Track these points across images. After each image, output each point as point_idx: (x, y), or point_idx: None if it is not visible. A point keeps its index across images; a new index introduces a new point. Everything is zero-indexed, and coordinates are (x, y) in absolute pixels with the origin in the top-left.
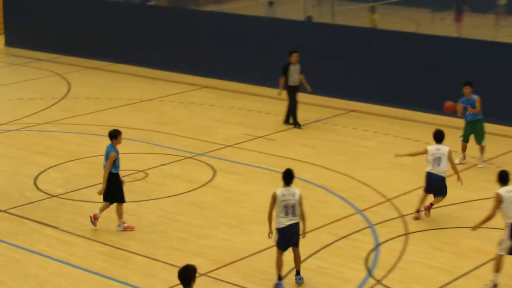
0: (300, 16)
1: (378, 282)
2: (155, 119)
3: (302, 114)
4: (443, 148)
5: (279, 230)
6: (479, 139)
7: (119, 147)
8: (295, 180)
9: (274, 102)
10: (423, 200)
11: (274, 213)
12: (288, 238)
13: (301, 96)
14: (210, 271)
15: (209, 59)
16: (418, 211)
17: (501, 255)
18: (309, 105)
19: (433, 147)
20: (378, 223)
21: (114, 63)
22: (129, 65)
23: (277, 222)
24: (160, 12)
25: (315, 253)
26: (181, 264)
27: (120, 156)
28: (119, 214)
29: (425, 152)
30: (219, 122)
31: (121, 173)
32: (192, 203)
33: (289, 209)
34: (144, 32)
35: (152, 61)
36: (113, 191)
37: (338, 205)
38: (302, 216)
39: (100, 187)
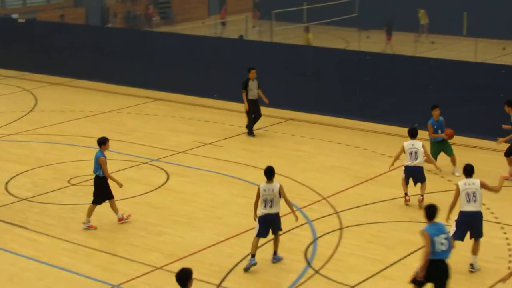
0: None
1: (317, 272)
2: (113, 128)
3: (245, 123)
4: (418, 143)
5: (258, 218)
6: (449, 152)
7: (106, 153)
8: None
9: (220, 112)
10: (406, 186)
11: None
12: (266, 225)
13: (236, 106)
14: (165, 265)
15: (162, 75)
16: (406, 194)
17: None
18: None
19: (408, 143)
20: (316, 219)
21: (76, 79)
22: (90, 80)
23: (258, 212)
24: (117, 33)
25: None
26: (139, 259)
27: (82, 163)
28: (115, 210)
29: (402, 149)
30: (171, 131)
31: (83, 178)
32: (148, 203)
33: (268, 202)
34: (103, 51)
35: (110, 77)
36: (101, 192)
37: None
38: (288, 205)
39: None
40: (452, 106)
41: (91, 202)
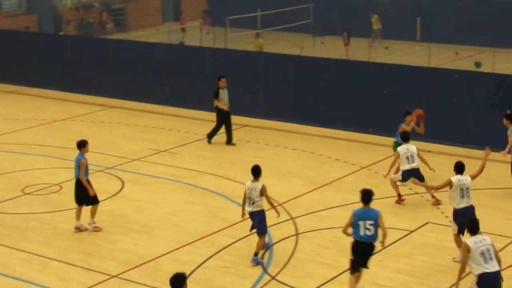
0: (197, 42)
1: (273, 278)
2: (68, 137)
3: (202, 130)
4: (412, 147)
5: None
6: None
7: (87, 155)
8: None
9: (175, 119)
10: (398, 187)
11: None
12: (252, 222)
13: (199, 114)
14: (121, 273)
15: (116, 82)
16: (399, 195)
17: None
18: (208, 122)
19: (402, 148)
20: (271, 225)
21: (30, 87)
22: (44, 89)
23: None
24: (71, 41)
25: (215, 253)
26: (95, 267)
27: (37, 171)
28: (93, 214)
29: (398, 155)
30: (126, 138)
31: (38, 187)
32: (103, 211)
33: (250, 200)
34: (57, 59)
35: (64, 84)
36: (87, 194)
37: (236, 210)
38: (269, 203)
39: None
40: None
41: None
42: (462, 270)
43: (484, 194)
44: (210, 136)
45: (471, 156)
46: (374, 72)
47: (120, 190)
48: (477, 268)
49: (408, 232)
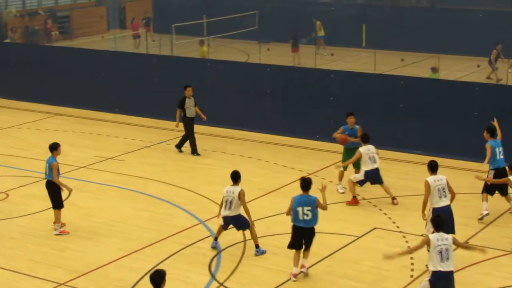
0: (144, 49)
1: (221, 284)
2: (14, 145)
3: (148, 137)
4: (372, 148)
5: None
6: (358, 165)
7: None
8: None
9: (121, 126)
10: (354, 189)
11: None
12: (225, 224)
13: (145, 121)
14: (69, 281)
15: (61, 89)
16: (354, 197)
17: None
18: (153, 128)
19: (364, 149)
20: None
21: None
22: None
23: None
24: (16, 48)
25: (163, 260)
26: (42, 275)
27: None
28: (58, 218)
29: (360, 154)
30: (72, 146)
31: None
32: (50, 219)
33: (227, 204)
34: (2, 66)
35: (10, 92)
36: (57, 196)
37: (183, 217)
38: (245, 210)
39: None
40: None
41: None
42: (414, 250)
43: None
44: (193, 148)
45: (419, 162)
46: (320, 79)
47: (67, 197)
48: (432, 265)
49: (356, 238)
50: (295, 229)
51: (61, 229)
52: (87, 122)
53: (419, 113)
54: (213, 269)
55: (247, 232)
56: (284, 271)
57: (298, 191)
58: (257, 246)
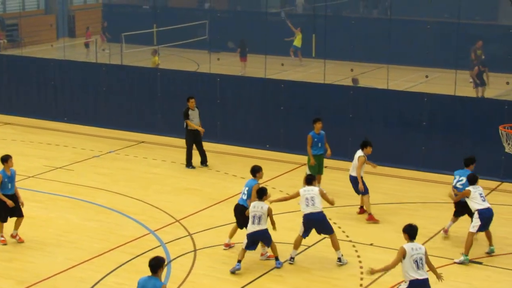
0: (93, 58)
1: None
2: None
3: (98, 146)
4: (356, 155)
5: (247, 234)
6: (322, 170)
7: None
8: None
9: (71, 136)
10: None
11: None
12: (253, 241)
13: (95, 130)
14: None
15: (10, 98)
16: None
17: None
18: (103, 138)
19: (358, 154)
20: (169, 242)
21: None
22: None
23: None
24: None
25: (113, 270)
26: None
27: None
28: (16, 226)
29: (365, 160)
30: (20, 155)
31: None
32: None
33: (256, 218)
34: None
35: None
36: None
37: (133, 227)
38: (272, 223)
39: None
40: (301, 126)
41: None
42: (390, 267)
43: (378, 209)
44: (188, 161)
45: (368, 172)
46: (270, 88)
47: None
48: (409, 273)
49: (306, 247)
50: (237, 207)
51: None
52: (36, 131)
53: (369, 123)
54: (163, 279)
55: (197, 241)
56: (235, 280)
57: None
58: (277, 259)
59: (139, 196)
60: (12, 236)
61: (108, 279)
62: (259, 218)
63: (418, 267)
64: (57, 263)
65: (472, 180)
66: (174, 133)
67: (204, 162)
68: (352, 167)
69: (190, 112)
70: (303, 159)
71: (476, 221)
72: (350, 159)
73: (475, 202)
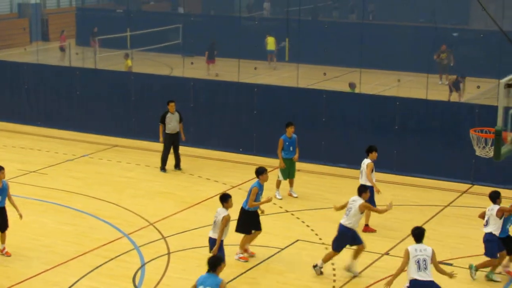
0: (67, 62)
1: None
2: None
3: (72, 150)
4: (363, 163)
5: None
6: (293, 174)
7: None
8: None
9: (45, 139)
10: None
11: None
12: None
13: (68, 134)
14: None
15: None
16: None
17: None
18: (76, 142)
19: (365, 162)
20: (143, 245)
21: None
22: None
23: None
24: None
25: (87, 274)
26: None
27: None
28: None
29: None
30: None
31: None
32: None
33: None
34: None
35: None
36: None
37: (107, 230)
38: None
39: None
40: (274, 130)
41: None
42: (399, 272)
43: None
44: (163, 164)
45: (343, 175)
46: (244, 93)
47: None
48: (410, 273)
49: (279, 249)
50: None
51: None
52: (10, 135)
53: (341, 127)
54: (137, 281)
55: (171, 244)
56: None
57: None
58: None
59: (113, 200)
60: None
61: (82, 282)
62: (215, 223)
63: (419, 268)
64: (32, 267)
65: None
66: (148, 136)
67: (177, 166)
68: (361, 177)
69: (168, 115)
70: (276, 162)
71: None
72: (323, 162)
73: None
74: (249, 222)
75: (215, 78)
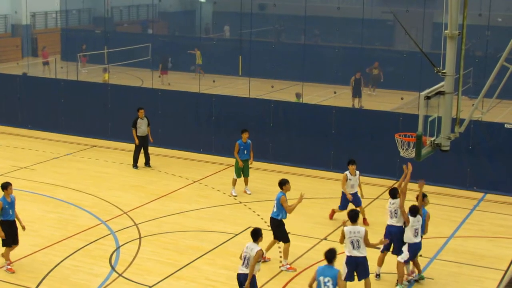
0: (53, 75)
1: (120, 275)
2: None
3: (57, 149)
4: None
5: None
6: (246, 173)
7: None
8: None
9: (34, 140)
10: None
11: None
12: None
13: (55, 136)
14: None
15: None
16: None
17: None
18: (61, 142)
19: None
20: (118, 230)
21: None
22: None
23: None
24: None
25: (70, 255)
26: None
27: None
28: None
29: (347, 178)
30: None
31: None
32: None
33: (245, 260)
34: None
35: None
36: (6, 235)
37: (87, 218)
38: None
39: None
40: (229, 133)
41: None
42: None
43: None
44: (135, 162)
45: (287, 172)
46: (204, 101)
47: None
48: (347, 251)
49: (233, 235)
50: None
51: (8, 267)
52: (4, 136)
53: (286, 131)
54: (113, 262)
55: (142, 230)
56: (174, 263)
57: (184, 195)
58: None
59: (92, 192)
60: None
61: (66, 262)
62: (245, 258)
63: (353, 247)
64: (23, 249)
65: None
66: (122, 138)
67: (147, 163)
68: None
69: (138, 121)
70: (231, 161)
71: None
72: (271, 161)
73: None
74: (285, 229)
75: (177, 89)
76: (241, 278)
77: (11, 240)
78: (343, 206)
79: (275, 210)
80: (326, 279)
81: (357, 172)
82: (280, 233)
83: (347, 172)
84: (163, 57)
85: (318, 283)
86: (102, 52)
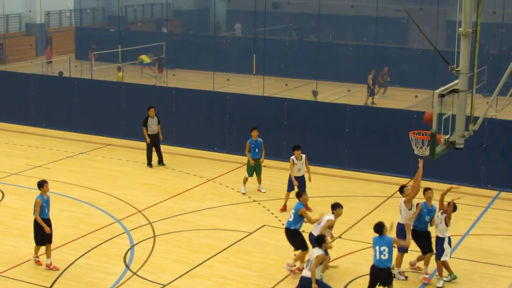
0: (67, 73)
1: (134, 273)
2: None
3: (69, 148)
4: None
5: None
6: (258, 172)
7: None
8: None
9: (48, 139)
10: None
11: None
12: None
13: (69, 135)
14: (2, 272)
15: None
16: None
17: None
18: (75, 141)
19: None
20: (132, 229)
21: None
22: None
23: None
24: None
25: (84, 254)
26: None
27: None
28: (47, 254)
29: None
30: (5, 155)
31: None
32: None
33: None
34: None
35: None
36: (39, 233)
37: (101, 216)
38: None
39: None
40: (243, 132)
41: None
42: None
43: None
44: (148, 161)
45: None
46: (218, 100)
47: (1, 200)
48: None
49: (248, 233)
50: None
51: (45, 262)
52: (18, 135)
53: (300, 129)
54: (127, 260)
55: (156, 228)
56: (188, 262)
57: (198, 193)
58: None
59: (106, 190)
60: (47, 266)
61: (80, 261)
62: (309, 262)
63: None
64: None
65: None
66: (136, 137)
67: (161, 161)
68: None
69: (149, 119)
70: (245, 159)
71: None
72: (285, 159)
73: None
74: (302, 238)
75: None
76: (303, 280)
77: (46, 239)
78: (290, 188)
79: (290, 219)
80: (382, 248)
81: (303, 156)
82: (299, 242)
83: (293, 157)
84: (158, 55)
85: (375, 252)
86: (116, 51)
